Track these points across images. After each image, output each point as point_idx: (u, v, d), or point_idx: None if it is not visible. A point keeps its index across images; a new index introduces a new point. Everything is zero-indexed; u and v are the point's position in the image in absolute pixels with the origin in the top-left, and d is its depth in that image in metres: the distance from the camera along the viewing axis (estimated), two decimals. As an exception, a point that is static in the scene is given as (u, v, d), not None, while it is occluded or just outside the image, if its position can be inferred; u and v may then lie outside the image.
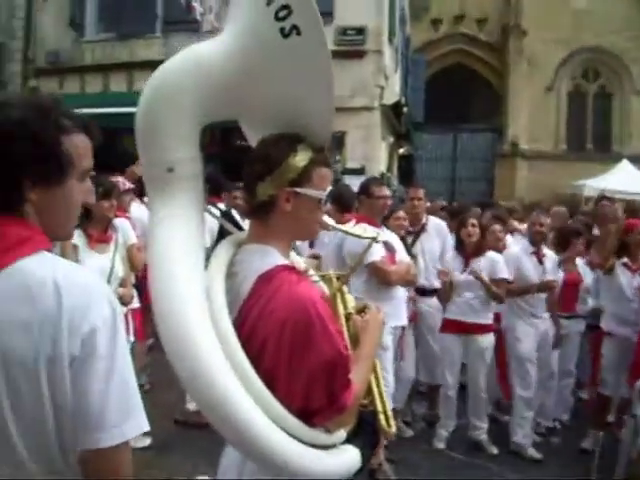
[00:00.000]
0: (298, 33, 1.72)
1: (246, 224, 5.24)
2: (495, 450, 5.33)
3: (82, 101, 13.92)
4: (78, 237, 4.31)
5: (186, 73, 1.86)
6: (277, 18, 1.72)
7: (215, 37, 1.96)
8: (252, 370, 1.67)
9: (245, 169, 1.86)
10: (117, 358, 1.30)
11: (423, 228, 5.83)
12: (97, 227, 4.46)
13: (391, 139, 16.23)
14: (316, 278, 2.16)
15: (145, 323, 5.43)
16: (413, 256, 5.39)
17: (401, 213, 5.34)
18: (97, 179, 4.50)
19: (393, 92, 14.56)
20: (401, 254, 4.97)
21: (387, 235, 4.89)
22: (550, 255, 5.62)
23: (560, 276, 5.70)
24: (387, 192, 5.05)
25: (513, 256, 5.55)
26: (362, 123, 11.98)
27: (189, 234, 1.86)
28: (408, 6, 19.86)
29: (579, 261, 6.16)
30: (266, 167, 1.80)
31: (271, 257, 1.81)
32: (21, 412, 1.26)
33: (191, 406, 4.98)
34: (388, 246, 4.79)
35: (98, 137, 1.47)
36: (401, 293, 5.00)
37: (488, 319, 5.37)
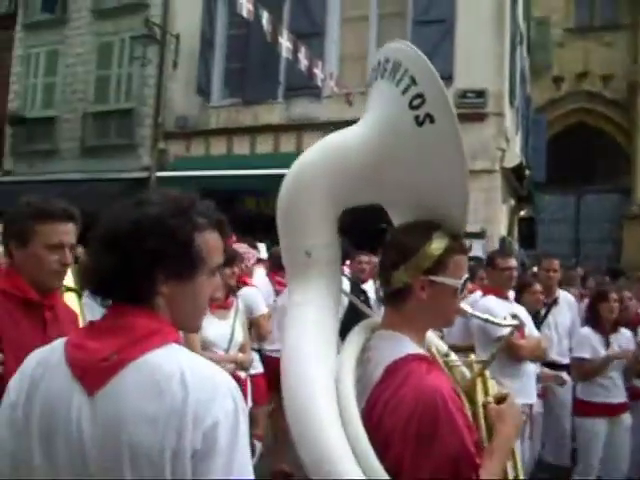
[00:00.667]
0: (432, 121, 1.75)
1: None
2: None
3: (207, 163, 14.48)
4: None
5: (324, 161, 1.95)
6: (411, 106, 1.77)
7: (351, 126, 2.01)
8: (377, 461, 1.63)
9: (381, 256, 1.92)
10: (236, 453, 1.31)
11: (555, 301, 5.58)
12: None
13: (512, 202, 15.82)
14: (458, 363, 2.11)
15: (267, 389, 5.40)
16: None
17: (538, 287, 5.18)
18: None
19: (514, 153, 14.24)
20: (530, 328, 4.78)
21: (516, 308, 4.73)
22: None
23: None
24: (513, 263, 4.93)
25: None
26: (483, 186, 11.73)
27: (323, 319, 1.91)
28: (529, 65, 19.58)
29: None
30: (401, 255, 1.81)
31: (403, 345, 1.80)
32: None
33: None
34: (518, 320, 4.59)
35: (229, 233, 1.57)
36: (531, 368, 4.77)
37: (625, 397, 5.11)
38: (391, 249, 1.86)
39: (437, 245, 1.80)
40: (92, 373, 1.35)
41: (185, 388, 1.31)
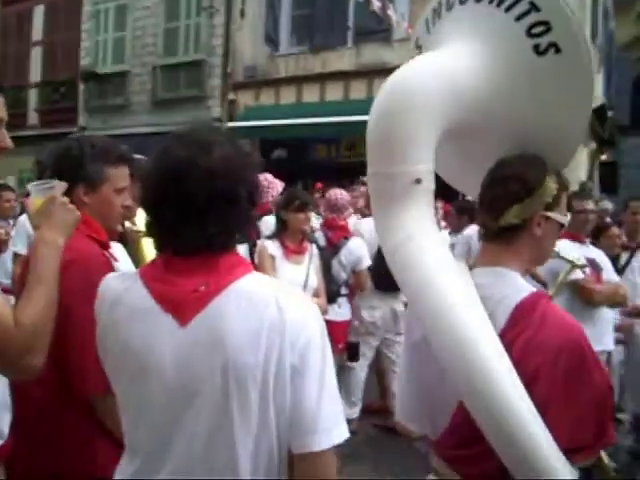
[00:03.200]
0: (557, 51, 1.65)
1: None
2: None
3: (277, 112, 14.42)
4: (275, 248, 4.53)
5: (437, 82, 1.75)
6: (530, 34, 1.67)
7: (449, 44, 1.85)
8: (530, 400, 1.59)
9: (493, 189, 1.76)
10: (327, 368, 1.42)
11: (639, 245, 5.28)
12: (293, 239, 4.59)
13: (593, 145, 15.17)
14: None
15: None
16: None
17: (615, 230, 4.90)
18: (294, 191, 4.64)
19: (596, 94, 13.57)
20: (609, 273, 4.54)
21: (593, 252, 4.52)
22: None
23: None
24: (590, 206, 4.67)
25: None
26: (562, 128, 11.24)
27: (449, 256, 1.76)
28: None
29: None
30: (524, 189, 1.71)
31: (521, 283, 1.75)
32: (248, 416, 1.37)
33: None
34: (594, 264, 4.38)
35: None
36: (608, 315, 4.54)
37: None
38: (512, 182, 1.72)
39: (554, 180, 1.75)
40: (184, 304, 1.41)
41: (280, 309, 1.39)
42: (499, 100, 1.75)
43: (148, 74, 16.85)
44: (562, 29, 1.64)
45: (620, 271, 4.96)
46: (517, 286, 1.73)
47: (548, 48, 1.65)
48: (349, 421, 5.17)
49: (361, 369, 5.47)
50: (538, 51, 1.66)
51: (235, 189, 1.42)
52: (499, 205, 1.73)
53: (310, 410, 1.38)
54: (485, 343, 1.58)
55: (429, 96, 1.72)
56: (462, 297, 1.64)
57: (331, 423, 1.40)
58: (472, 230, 5.80)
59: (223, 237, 1.44)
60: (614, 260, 4.93)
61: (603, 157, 17.13)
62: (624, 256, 5.24)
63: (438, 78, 1.75)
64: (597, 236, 4.97)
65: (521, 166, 1.73)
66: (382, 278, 5.01)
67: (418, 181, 1.71)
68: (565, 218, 1.82)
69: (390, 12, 11.61)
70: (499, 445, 1.57)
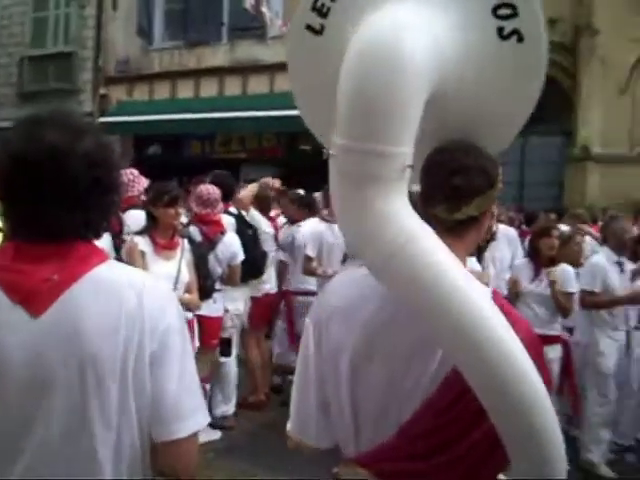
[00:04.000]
0: (520, 40, 1.51)
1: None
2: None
3: (151, 108, 14.20)
4: (146, 244, 4.43)
5: (435, 48, 1.46)
6: (496, 15, 1.50)
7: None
8: None
9: (451, 180, 1.54)
10: (187, 355, 1.43)
11: (492, 237, 5.68)
12: (163, 234, 4.52)
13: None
14: None
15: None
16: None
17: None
18: (163, 186, 4.59)
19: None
20: (471, 262, 4.84)
21: None
22: (628, 264, 5.38)
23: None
24: None
25: (599, 267, 5.27)
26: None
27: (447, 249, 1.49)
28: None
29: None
30: (487, 181, 1.58)
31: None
32: (107, 411, 1.34)
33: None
34: None
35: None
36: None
37: (556, 330, 5.17)
38: (474, 174, 1.56)
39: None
40: (36, 294, 1.34)
41: (138, 295, 1.38)
42: (464, 75, 1.54)
43: (15, 65, 16.13)
44: (528, 19, 1.50)
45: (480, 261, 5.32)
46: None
47: (511, 34, 1.50)
48: (226, 417, 5.32)
49: (234, 363, 5.60)
50: (501, 34, 1.50)
51: (105, 177, 1.39)
52: (460, 197, 1.55)
53: (170, 398, 1.37)
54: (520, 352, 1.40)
55: (424, 60, 1.44)
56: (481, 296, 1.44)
57: (191, 410, 1.41)
58: (322, 226, 5.98)
59: (88, 225, 1.41)
60: (477, 251, 5.26)
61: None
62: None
63: (428, 37, 1.47)
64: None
65: (480, 157, 1.59)
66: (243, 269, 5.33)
67: (410, 167, 1.45)
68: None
69: (264, 9, 11.75)
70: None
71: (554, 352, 5.09)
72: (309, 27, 1.59)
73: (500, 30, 1.51)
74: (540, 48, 1.55)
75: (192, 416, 1.41)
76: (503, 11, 1.49)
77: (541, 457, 1.45)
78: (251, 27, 13.25)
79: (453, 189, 1.54)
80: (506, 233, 5.90)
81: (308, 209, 6.59)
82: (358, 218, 1.47)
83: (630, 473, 5.17)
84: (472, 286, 1.43)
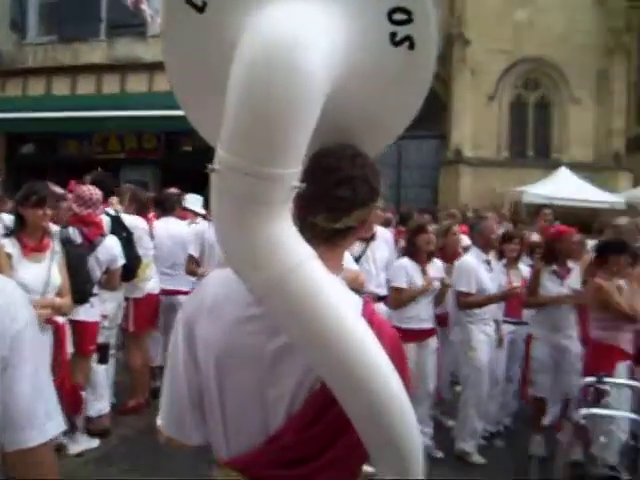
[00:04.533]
0: (411, 47, 1.44)
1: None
2: (440, 454, 5.38)
3: (25, 104, 13.64)
4: (12, 247, 4.27)
5: (323, 53, 1.35)
6: (390, 19, 1.41)
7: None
8: None
9: (336, 189, 1.50)
10: (39, 359, 1.38)
11: (372, 237, 5.86)
12: (32, 236, 4.38)
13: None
14: None
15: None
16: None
17: None
18: (31, 187, 4.40)
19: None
20: (348, 262, 4.98)
21: None
22: (495, 262, 5.76)
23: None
24: None
25: (471, 266, 5.53)
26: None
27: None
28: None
29: (524, 267, 6.32)
30: (371, 193, 1.55)
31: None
32: None
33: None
34: None
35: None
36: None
37: (433, 322, 5.46)
38: (360, 185, 1.52)
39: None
40: None
41: None
42: (354, 78, 1.46)
43: None
44: (422, 27, 1.43)
45: (357, 260, 5.51)
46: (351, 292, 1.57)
47: (403, 41, 1.43)
48: (101, 416, 5.22)
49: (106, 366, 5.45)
50: (394, 40, 1.43)
51: None
52: (343, 208, 1.52)
53: (22, 405, 1.32)
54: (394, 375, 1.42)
55: (323, 75, 1.34)
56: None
57: (46, 416, 1.36)
58: (204, 225, 6.10)
59: None
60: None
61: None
62: (360, 247, 5.80)
63: (327, 45, 1.35)
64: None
65: (365, 167, 1.55)
66: None
67: (294, 187, 1.37)
68: None
69: (144, 6, 11.58)
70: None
71: (434, 343, 5.40)
72: (189, 1, 1.41)
73: (393, 35, 1.43)
74: (430, 57, 1.51)
75: (44, 424, 1.36)
76: (398, 16, 1.41)
77: (401, 460, 1.47)
78: (131, 24, 13.02)
79: (337, 200, 1.50)
80: (383, 234, 6.12)
81: (162, 208, 6.74)
82: (241, 242, 1.38)
83: (500, 458, 5.52)
84: (347, 307, 1.40)
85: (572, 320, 5.54)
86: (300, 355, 1.44)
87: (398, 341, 1.58)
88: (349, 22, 1.39)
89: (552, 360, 5.48)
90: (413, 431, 1.45)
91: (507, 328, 5.93)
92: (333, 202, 1.50)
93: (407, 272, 5.35)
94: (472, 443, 5.44)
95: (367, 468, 1.58)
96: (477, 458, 5.38)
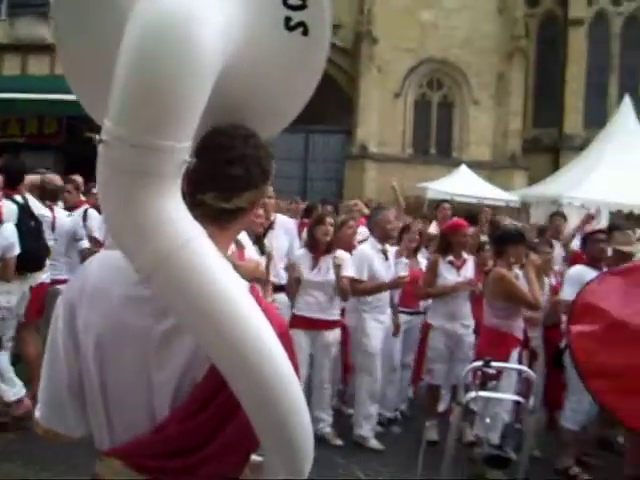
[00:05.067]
0: (305, 33, 1.46)
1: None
2: (339, 442, 5.49)
3: None
4: None
5: (217, 28, 1.32)
6: (285, 3, 1.42)
7: None
8: None
9: (229, 168, 1.47)
10: None
11: (271, 226, 5.85)
12: None
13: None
14: None
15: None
16: (268, 253, 5.45)
17: (259, 211, 5.39)
18: None
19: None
20: (250, 251, 4.98)
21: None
22: (391, 251, 5.90)
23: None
24: None
25: (366, 255, 5.68)
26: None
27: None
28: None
29: (422, 258, 6.56)
30: (262, 176, 1.53)
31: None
32: None
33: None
34: (237, 243, 4.82)
35: None
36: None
37: (335, 315, 5.54)
38: (253, 166, 1.50)
39: None
40: None
41: None
42: (247, 59, 1.45)
43: None
44: (316, 14, 1.45)
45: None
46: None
47: (297, 26, 1.45)
48: (21, 400, 5.06)
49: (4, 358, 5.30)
50: (288, 25, 1.44)
51: None
52: (233, 188, 1.49)
53: None
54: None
55: (216, 50, 1.32)
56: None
57: None
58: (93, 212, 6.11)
59: None
60: (256, 240, 5.50)
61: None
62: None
63: (221, 18, 1.33)
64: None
65: (258, 148, 1.54)
66: (20, 261, 5.10)
67: (185, 162, 1.33)
68: None
69: (47, -14, 11.24)
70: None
71: (334, 335, 5.50)
72: None
73: (287, 20, 1.44)
74: (323, 45, 1.52)
75: None
76: (293, 1, 1.42)
77: (289, 447, 1.46)
78: (32, 3, 12.58)
79: (228, 179, 1.48)
80: (283, 223, 6.15)
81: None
82: (128, 216, 1.32)
83: (396, 443, 5.69)
84: (237, 286, 1.40)
85: (468, 310, 5.77)
86: (188, 338, 1.41)
87: (286, 327, 1.59)
88: (246, 1, 1.40)
89: (447, 349, 5.68)
90: (305, 416, 1.46)
91: (403, 318, 6.13)
92: (224, 181, 1.48)
93: (305, 263, 5.48)
94: (368, 428, 5.58)
95: (255, 458, 1.58)
96: (374, 443, 5.53)
